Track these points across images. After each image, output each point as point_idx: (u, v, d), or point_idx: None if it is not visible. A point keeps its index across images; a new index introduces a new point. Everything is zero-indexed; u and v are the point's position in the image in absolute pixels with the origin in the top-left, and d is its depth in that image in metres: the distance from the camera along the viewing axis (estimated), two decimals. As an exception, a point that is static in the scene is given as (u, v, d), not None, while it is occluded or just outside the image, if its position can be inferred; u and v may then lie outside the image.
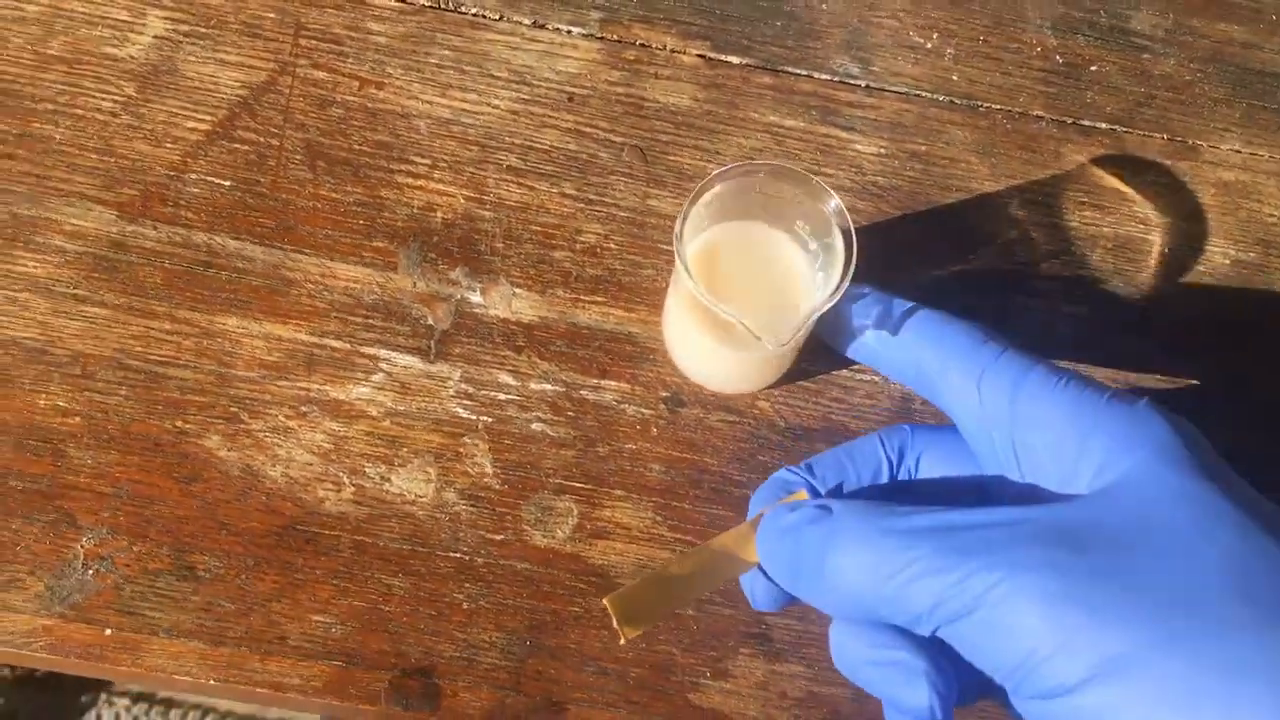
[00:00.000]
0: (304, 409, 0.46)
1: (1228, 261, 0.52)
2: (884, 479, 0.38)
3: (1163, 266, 0.51)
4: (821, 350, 0.48)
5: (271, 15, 0.51)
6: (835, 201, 0.41)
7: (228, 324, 0.47)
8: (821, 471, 0.38)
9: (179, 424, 0.46)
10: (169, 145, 0.49)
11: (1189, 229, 0.52)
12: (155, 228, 0.48)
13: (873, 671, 0.32)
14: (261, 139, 0.49)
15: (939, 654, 0.32)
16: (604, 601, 0.35)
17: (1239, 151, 0.53)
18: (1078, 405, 0.33)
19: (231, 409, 0.46)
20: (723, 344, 0.43)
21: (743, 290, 0.44)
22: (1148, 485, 0.31)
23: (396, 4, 0.52)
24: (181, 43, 0.50)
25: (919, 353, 0.38)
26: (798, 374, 0.48)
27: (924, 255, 0.50)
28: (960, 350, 0.37)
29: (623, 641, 0.36)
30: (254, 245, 0.48)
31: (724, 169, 0.41)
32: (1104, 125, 0.53)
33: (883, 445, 0.38)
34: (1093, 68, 0.54)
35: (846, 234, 0.41)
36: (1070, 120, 0.53)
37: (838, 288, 0.39)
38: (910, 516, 0.32)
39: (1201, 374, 0.50)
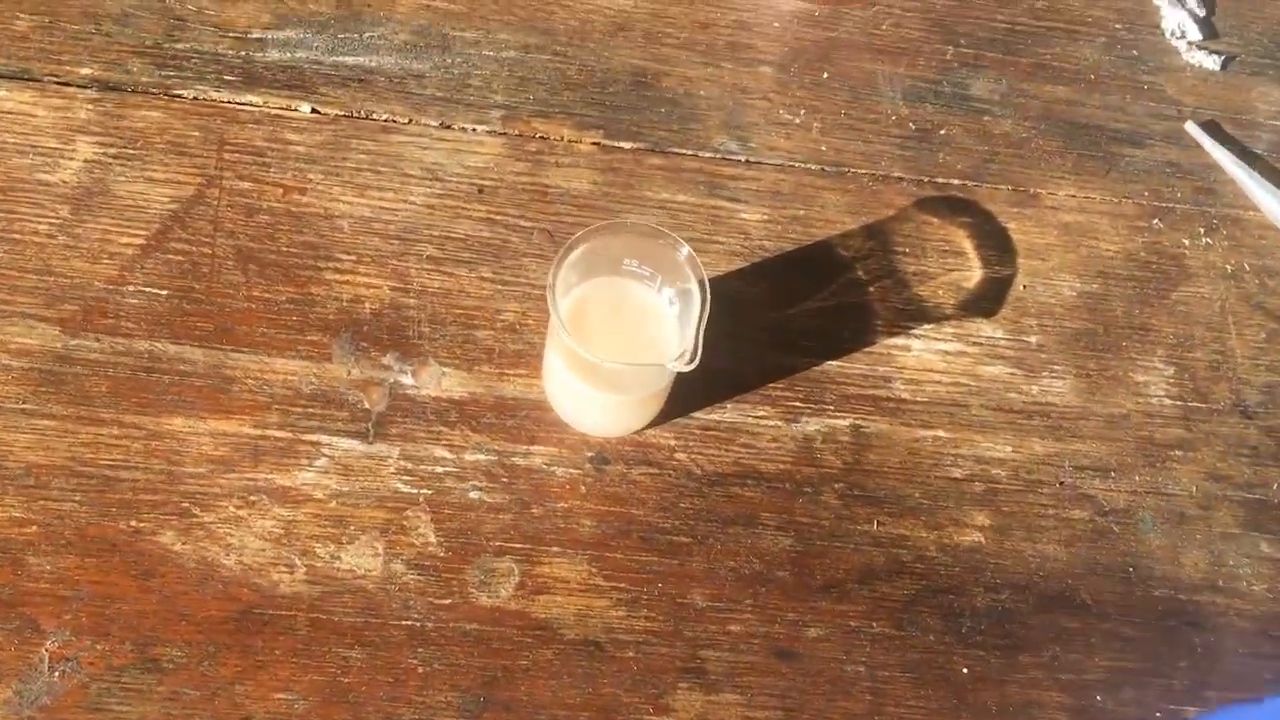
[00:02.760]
0: (253, 498, 0.48)
1: (1074, 293, 0.57)
2: None
3: (1019, 301, 0.56)
4: (728, 402, 0.52)
5: (195, 134, 0.53)
6: (686, 250, 0.46)
7: (174, 424, 0.48)
8: None
9: (133, 523, 0.47)
10: (106, 261, 0.50)
11: (1039, 267, 0.57)
12: (98, 339, 0.49)
13: None
14: (194, 248, 0.51)
15: None
16: None
17: (1074, 196, 0.59)
18: None
19: (183, 504, 0.47)
20: (599, 389, 0.47)
21: (611, 338, 0.47)
22: None
23: (312, 115, 0.55)
24: (111, 164, 0.52)
25: None
26: (709, 425, 0.52)
27: (799, 296, 0.55)
28: None
29: None
30: (194, 348, 0.50)
31: (588, 229, 0.46)
32: (956, 181, 0.59)
33: None
34: (941, 131, 0.60)
35: (700, 281, 0.45)
36: (926, 179, 0.58)
37: (697, 329, 0.44)
38: None
39: (1061, 394, 0.55)
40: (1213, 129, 0.62)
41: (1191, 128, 0.61)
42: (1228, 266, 0.58)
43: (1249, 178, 0.60)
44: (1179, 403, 0.55)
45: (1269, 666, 0.50)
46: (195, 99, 0.54)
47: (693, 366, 0.44)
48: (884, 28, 0.61)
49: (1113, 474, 0.53)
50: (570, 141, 0.56)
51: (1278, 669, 0.50)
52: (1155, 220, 0.59)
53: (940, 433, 0.53)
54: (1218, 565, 0.52)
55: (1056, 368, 0.55)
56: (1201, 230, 0.59)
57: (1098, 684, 0.49)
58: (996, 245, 0.57)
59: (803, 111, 0.59)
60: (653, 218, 0.55)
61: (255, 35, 0.56)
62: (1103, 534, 0.52)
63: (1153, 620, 0.51)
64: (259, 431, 0.49)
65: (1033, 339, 0.55)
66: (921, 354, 0.54)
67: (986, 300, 0.56)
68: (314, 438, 0.49)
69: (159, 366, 0.49)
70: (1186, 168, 0.61)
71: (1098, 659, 0.50)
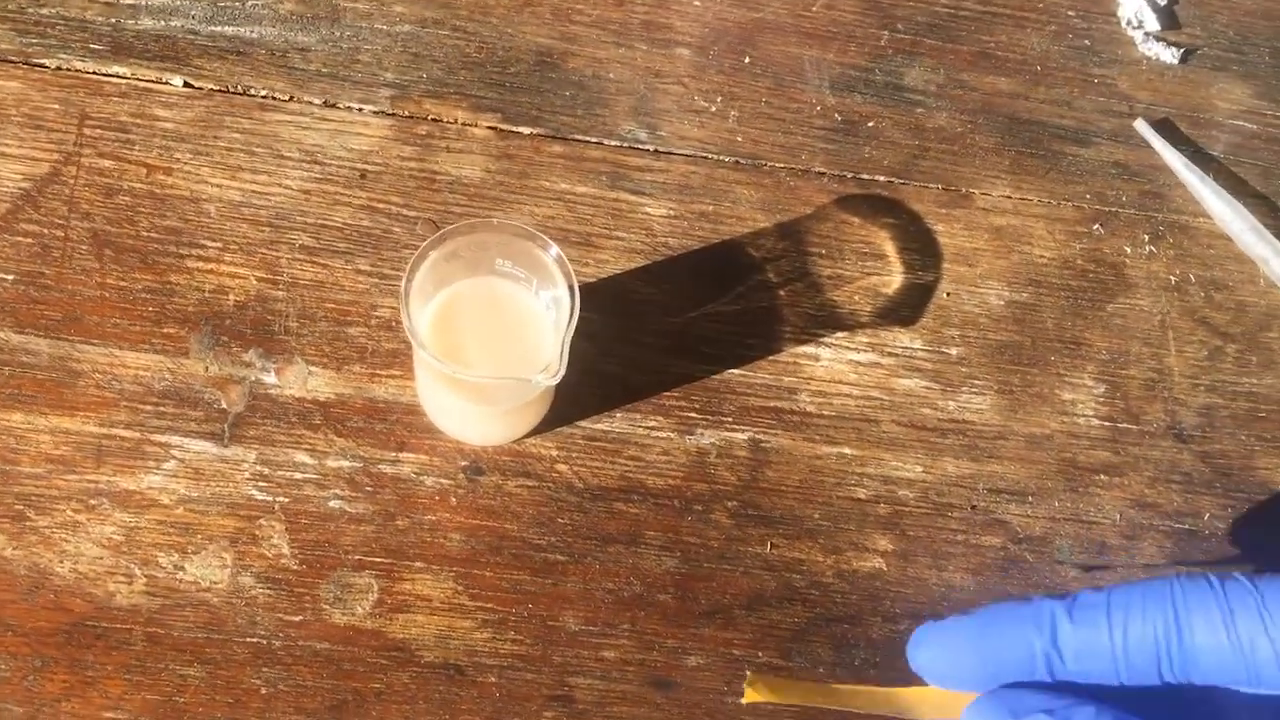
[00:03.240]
0: (93, 502, 0.45)
1: (1002, 303, 0.54)
2: (1155, 677, 0.30)
3: (941, 310, 0.53)
4: (618, 411, 0.49)
5: (55, 106, 0.50)
6: (555, 251, 0.43)
7: (11, 420, 0.46)
8: (1080, 658, 0.30)
9: (-40, 526, 0.44)
10: (-54, 242, 0.47)
11: (966, 273, 0.54)
12: (-67, 327, 0.46)
13: None
14: (45, 230, 0.48)
15: None
16: (749, 673, 0.33)
17: (1009, 197, 0.56)
18: None
19: (16, 507, 0.45)
20: (466, 400, 0.44)
21: (481, 343, 0.44)
22: None
23: (185, 90, 0.51)
24: (-42, 138, 0.49)
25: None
26: (595, 435, 0.49)
27: (702, 299, 0.51)
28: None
29: (744, 701, 0.34)
30: (39, 338, 0.47)
31: (447, 229, 0.43)
32: (882, 178, 0.55)
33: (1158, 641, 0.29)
34: (870, 123, 0.56)
35: (570, 286, 0.42)
36: (850, 175, 0.55)
37: (562, 338, 0.41)
38: None
39: (980, 411, 0.51)
40: (1165, 128, 0.58)
41: (1142, 126, 0.57)
42: (1171, 277, 0.55)
43: (1200, 182, 0.56)
44: (1108, 423, 0.52)
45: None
46: (58, 69, 0.51)
47: (556, 380, 0.41)
48: (815, 9, 0.58)
49: (1030, 498, 0.50)
50: (464, 125, 0.52)
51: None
52: (1096, 225, 0.55)
53: (846, 450, 0.50)
54: (1136, 601, 0.49)
55: (977, 383, 0.52)
56: (1146, 237, 0.56)
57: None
58: (921, 248, 0.54)
59: (720, 99, 0.55)
60: (550, 210, 0.51)
61: (127, 1, 0.52)
62: (1015, 562, 0.49)
63: (1062, 658, 0.47)
64: (104, 430, 0.46)
65: (953, 351, 0.52)
66: (831, 364, 0.51)
67: (906, 308, 0.53)
68: (164, 438, 0.46)
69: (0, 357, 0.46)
70: (1134, 169, 0.57)
71: (997, 700, 0.46)
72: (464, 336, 0.45)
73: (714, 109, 0.55)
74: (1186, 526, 0.51)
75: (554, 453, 0.48)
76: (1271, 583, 0.28)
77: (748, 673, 0.34)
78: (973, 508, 0.50)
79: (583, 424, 0.49)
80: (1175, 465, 0.52)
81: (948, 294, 0.53)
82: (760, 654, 0.46)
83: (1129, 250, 0.55)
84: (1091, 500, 0.50)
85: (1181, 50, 0.59)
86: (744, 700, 0.34)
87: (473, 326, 0.45)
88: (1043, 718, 0.28)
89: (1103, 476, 0.51)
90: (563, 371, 0.41)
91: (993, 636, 0.30)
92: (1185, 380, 0.53)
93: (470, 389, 0.44)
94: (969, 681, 0.31)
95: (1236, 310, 0.55)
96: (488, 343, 0.45)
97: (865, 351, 0.52)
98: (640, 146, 0.53)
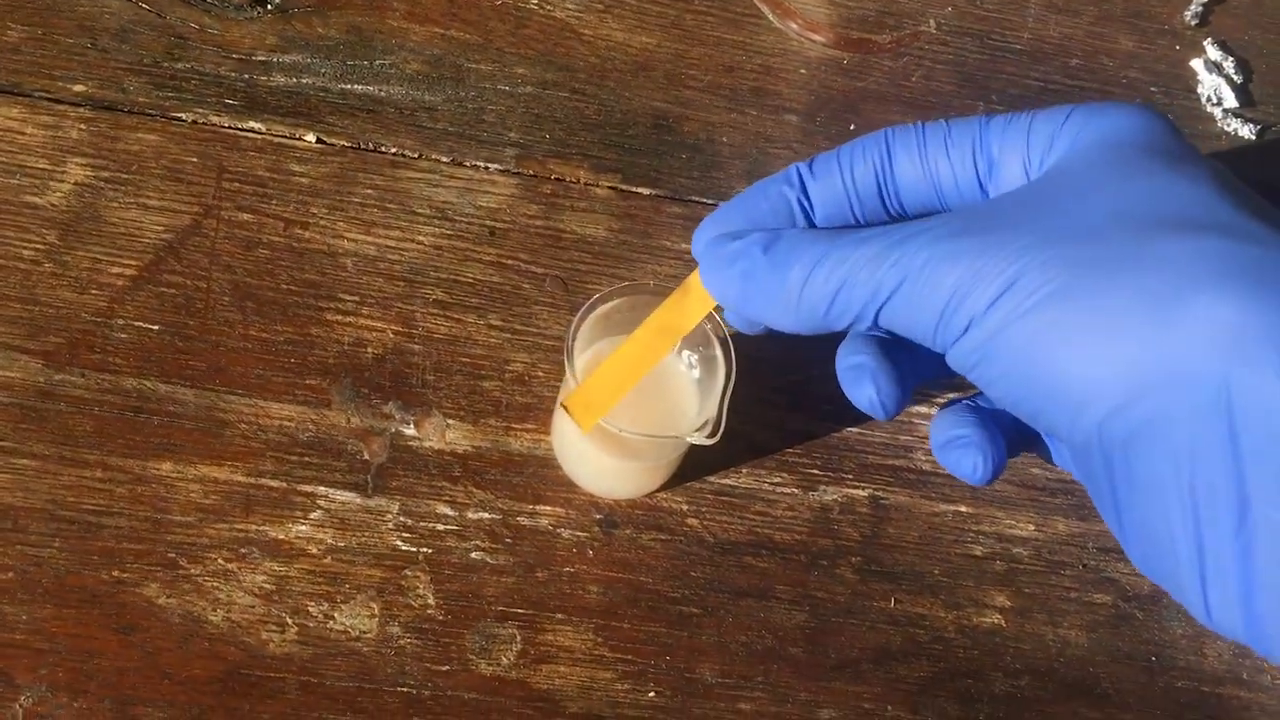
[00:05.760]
0: (243, 550, 0.48)
1: (1102, 366, 0.59)
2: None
3: (1045, 372, 0.58)
4: (744, 466, 0.53)
5: (194, 159, 0.54)
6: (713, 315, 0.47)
7: (162, 469, 0.49)
8: (820, 200, 0.37)
9: (115, 573, 0.47)
10: (94, 291, 0.51)
11: (1066, 337, 0.59)
12: (83, 375, 0.49)
13: (843, 378, 0.36)
14: (189, 282, 0.52)
15: (892, 351, 0.36)
16: (561, 405, 0.39)
17: (1104, 264, 0.61)
18: (1046, 121, 0.35)
19: (169, 555, 0.47)
20: (612, 455, 0.48)
21: (626, 403, 0.48)
22: (1086, 160, 0.33)
23: (318, 146, 0.55)
24: (103, 189, 0.52)
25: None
26: (723, 490, 0.53)
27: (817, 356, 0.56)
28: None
29: (584, 432, 0.42)
30: (185, 388, 0.50)
31: (612, 289, 0.47)
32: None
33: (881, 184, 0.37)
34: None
35: (724, 342, 0.47)
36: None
37: (724, 390, 0.46)
38: (858, 231, 0.34)
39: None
40: (1245, 200, 0.63)
41: (1224, 198, 0.63)
42: (1258, 344, 0.60)
43: (1281, 253, 0.61)
44: (1206, 484, 0.57)
45: (1292, 765, 0.52)
46: (194, 122, 0.54)
47: (714, 440, 0.45)
48: (914, 80, 0.63)
49: (1137, 557, 0.54)
50: (586, 184, 0.57)
51: (1301, 768, 0.52)
52: (1185, 293, 0.61)
53: (961, 508, 0.54)
54: (1241, 657, 0.53)
55: (1082, 443, 0.56)
56: (1232, 305, 0.61)
57: (1118, 778, 0.50)
58: (1023, 312, 0.58)
59: (828, 164, 0.60)
60: (670, 269, 0.56)
61: (260, 58, 0.56)
62: (1125, 620, 0.53)
63: (1174, 712, 0.52)
64: (252, 479, 0.49)
65: (1058, 412, 0.57)
66: (944, 423, 0.55)
67: (1012, 369, 0.57)
68: (310, 488, 0.49)
69: (147, 406, 0.49)
70: (1218, 239, 0.62)
71: (1118, 752, 0.51)
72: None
73: (823, 174, 0.59)
74: (1283, 585, 0.55)
75: (684, 507, 0.52)
76: (961, 121, 0.36)
77: (562, 405, 0.42)
78: (1083, 566, 0.54)
79: (711, 479, 0.53)
80: (1270, 526, 0.56)
81: (1050, 357, 0.58)
82: (889, 708, 0.50)
83: (1217, 317, 0.60)
84: (1194, 559, 0.55)
85: (1259, 126, 0.65)
86: (584, 432, 0.43)
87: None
88: (756, 235, 0.36)
89: (1203, 536, 0.56)
90: (720, 431, 0.45)
91: (754, 198, 0.37)
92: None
93: (616, 445, 0.48)
94: None
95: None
96: (633, 400, 0.49)
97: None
98: (755, 209, 0.58)
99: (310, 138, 0.55)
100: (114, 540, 0.47)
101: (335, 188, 0.54)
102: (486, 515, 0.50)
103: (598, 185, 0.57)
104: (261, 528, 0.48)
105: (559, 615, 0.49)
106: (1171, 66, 0.66)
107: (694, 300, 0.41)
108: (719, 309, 0.45)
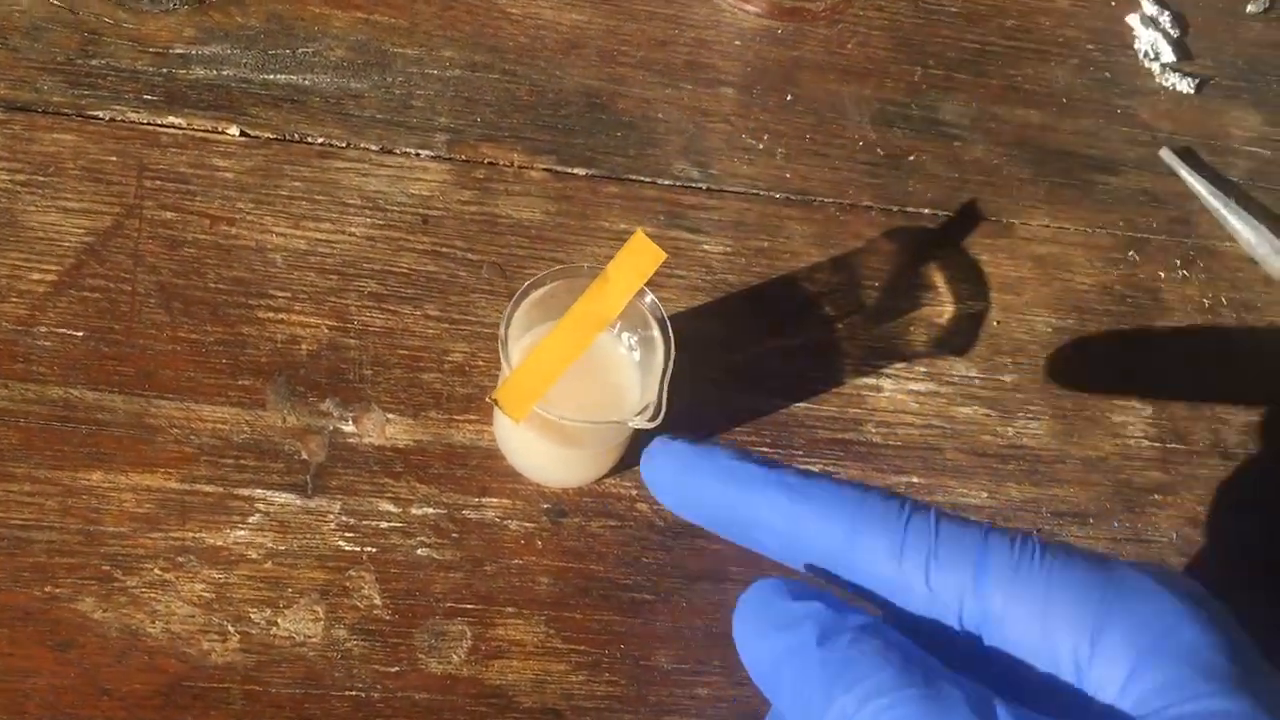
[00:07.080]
0: (180, 559, 0.47)
1: (1049, 329, 0.59)
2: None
3: (993, 338, 0.58)
4: (693, 449, 0.52)
5: (113, 158, 0.53)
6: (650, 298, 0.47)
7: (92, 479, 0.48)
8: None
9: (48, 589, 0.46)
10: (14, 300, 0.50)
11: (1013, 302, 0.59)
12: (6, 386, 0.48)
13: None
14: (113, 285, 0.51)
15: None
16: (489, 398, 0.39)
17: (1048, 226, 0.61)
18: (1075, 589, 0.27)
19: (103, 567, 0.47)
20: (554, 444, 0.48)
21: (567, 389, 0.48)
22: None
23: (241, 139, 0.54)
24: (19, 193, 0.51)
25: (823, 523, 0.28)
26: (672, 473, 0.52)
27: (764, 334, 0.56)
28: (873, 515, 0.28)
29: (516, 423, 0.43)
30: (113, 395, 0.49)
31: (544, 273, 0.47)
32: (926, 210, 0.60)
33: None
34: (910, 157, 0.61)
35: (661, 322, 0.47)
36: (896, 208, 0.60)
37: (663, 372, 0.46)
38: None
39: (1038, 436, 0.57)
40: (1187, 155, 0.64)
41: (1166, 154, 0.63)
42: (1205, 301, 0.61)
43: (1224, 207, 0.62)
44: (1157, 444, 0.57)
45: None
46: (112, 120, 0.53)
47: (656, 423, 0.45)
48: (849, 47, 0.63)
49: (1091, 520, 0.55)
50: (520, 168, 0.56)
51: None
52: (1131, 252, 0.61)
53: (914, 478, 0.54)
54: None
55: (1033, 408, 0.57)
56: (1178, 262, 0.61)
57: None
58: (968, 278, 0.59)
59: (766, 136, 0.60)
60: (610, 250, 0.55)
61: (178, 51, 0.55)
62: (1081, 583, 0.54)
63: (1133, 673, 0.52)
64: (186, 486, 0.48)
65: (1008, 378, 0.57)
66: (893, 395, 0.56)
67: (959, 337, 0.57)
68: (247, 492, 0.49)
69: (75, 415, 0.48)
70: (1161, 196, 0.63)
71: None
72: (551, 380, 0.48)
73: (761, 146, 0.59)
74: (1240, 542, 0.56)
75: (633, 492, 0.52)
76: (952, 528, 0.27)
77: (490, 399, 0.43)
78: (1039, 530, 0.54)
79: (659, 462, 0.52)
80: (1222, 482, 0.57)
81: (998, 322, 0.58)
82: (848, 682, 0.50)
83: (1163, 275, 0.61)
84: (1148, 520, 0.56)
85: (1196, 80, 0.66)
86: (517, 422, 0.43)
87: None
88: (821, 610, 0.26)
89: (1156, 496, 0.56)
90: (662, 414, 0.45)
91: (732, 485, 0.29)
92: (1225, 399, 0.59)
93: (558, 433, 0.47)
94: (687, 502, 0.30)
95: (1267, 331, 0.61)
96: (573, 386, 0.49)
97: (924, 381, 0.56)
98: (693, 185, 0.58)
99: (233, 131, 0.54)
100: (45, 555, 0.46)
101: (261, 181, 0.54)
102: (431, 510, 0.50)
103: (532, 168, 0.56)
104: (198, 535, 0.48)
105: (509, 609, 0.49)
106: (1108, 23, 0.67)
107: (615, 288, 0.40)
108: (642, 291, 0.45)
